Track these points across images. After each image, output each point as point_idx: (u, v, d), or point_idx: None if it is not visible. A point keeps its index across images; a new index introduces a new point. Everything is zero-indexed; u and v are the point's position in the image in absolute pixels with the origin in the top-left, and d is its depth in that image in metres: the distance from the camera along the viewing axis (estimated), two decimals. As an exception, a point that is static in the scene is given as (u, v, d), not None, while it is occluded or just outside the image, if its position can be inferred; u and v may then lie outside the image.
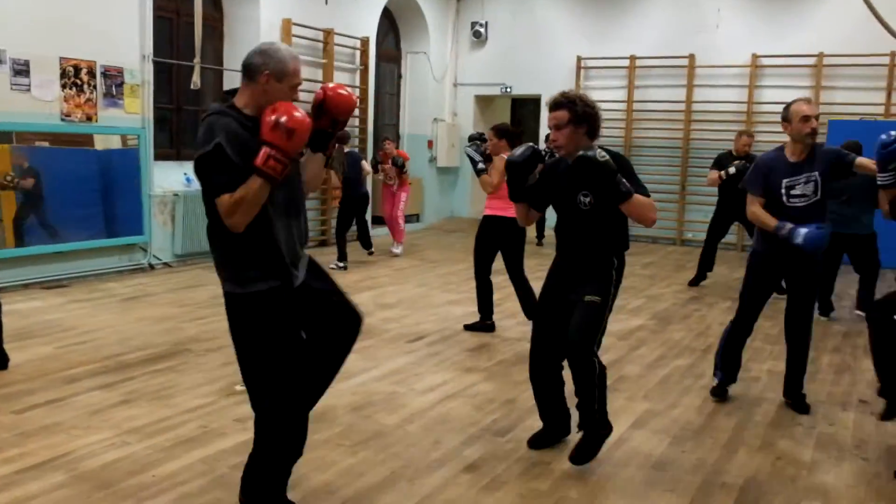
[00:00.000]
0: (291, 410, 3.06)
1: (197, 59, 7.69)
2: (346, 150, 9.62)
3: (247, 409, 4.39)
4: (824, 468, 3.93)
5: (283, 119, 2.73)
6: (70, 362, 5.20)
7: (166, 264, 8.93)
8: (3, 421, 4.13)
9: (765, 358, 5.89)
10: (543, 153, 3.70)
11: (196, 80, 7.61)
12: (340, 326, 3.16)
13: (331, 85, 3.16)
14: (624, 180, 3.48)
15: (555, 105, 3.66)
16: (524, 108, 15.53)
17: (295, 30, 10.45)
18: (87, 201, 8.09)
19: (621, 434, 4.23)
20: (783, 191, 4.50)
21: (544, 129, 13.23)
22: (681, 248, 12.44)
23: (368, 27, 12.13)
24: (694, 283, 8.93)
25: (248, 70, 2.88)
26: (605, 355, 4.08)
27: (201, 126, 2.86)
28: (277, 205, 2.92)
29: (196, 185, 9.03)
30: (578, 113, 3.61)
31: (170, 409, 4.39)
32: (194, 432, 4.08)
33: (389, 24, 13.54)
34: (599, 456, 3.89)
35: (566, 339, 3.66)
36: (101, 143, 8.19)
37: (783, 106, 4.61)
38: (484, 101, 14.82)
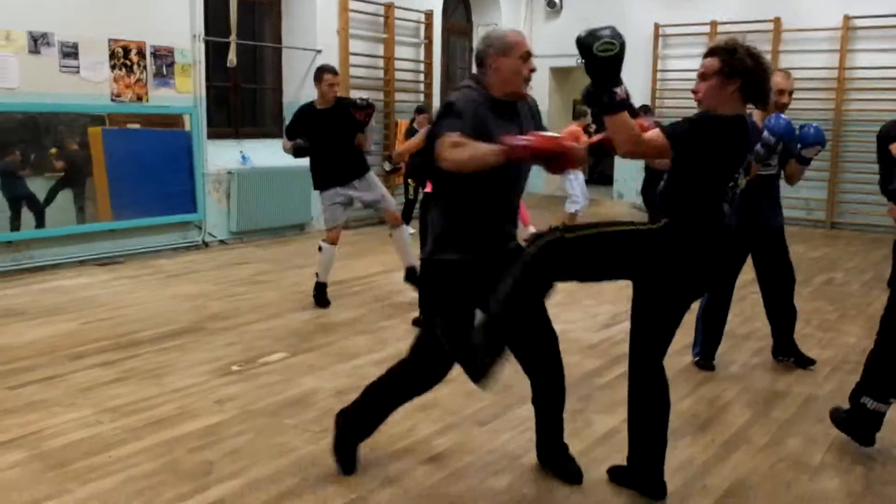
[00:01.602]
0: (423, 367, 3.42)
1: (233, 37, 7.72)
2: None
3: (230, 391, 4.39)
4: (829, 474, 3.52)
5: (563, 147, 2.81)
6: (85, 339, 5.30)
7: (222, 241, 9.06)
8: (-7, 397, 4.23)
9: (811, 346, 5.40)
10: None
11: (232, 57, 7.63)
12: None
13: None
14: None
15: (708, 51, 3.01)
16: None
17: (353, 4, 10.32)
18: (145, 180, 8.27)
19: (615, 426, 3.94)
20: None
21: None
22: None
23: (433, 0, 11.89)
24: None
25: (478, 59, 3.10)
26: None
27: None
28: (501, 186, 3.07)
29: (251, 164, 9.16)
30: (730, 63, 2.90)
31: (157, 389, 4.39)
32: (169, 413, 4.04)
33: (459, -4, 13.27)
34: (579, 449, 3.64)
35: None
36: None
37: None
38: (561, 74, 14.37)
